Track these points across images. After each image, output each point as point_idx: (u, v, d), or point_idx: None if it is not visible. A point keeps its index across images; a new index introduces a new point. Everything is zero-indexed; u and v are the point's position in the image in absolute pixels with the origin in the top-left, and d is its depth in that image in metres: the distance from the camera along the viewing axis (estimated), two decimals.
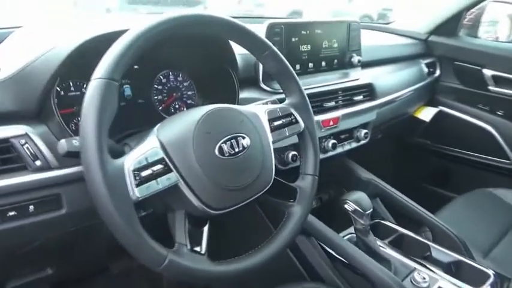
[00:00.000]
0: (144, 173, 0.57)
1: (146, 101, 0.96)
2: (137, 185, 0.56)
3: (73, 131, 0.85)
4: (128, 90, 0.94)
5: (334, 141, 1.16)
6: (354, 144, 1.26)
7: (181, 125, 0.65)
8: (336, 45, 1.18)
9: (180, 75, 1.02)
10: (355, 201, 1.03)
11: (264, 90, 1.03)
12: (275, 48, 0.78)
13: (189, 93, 1.04)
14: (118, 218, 0.53)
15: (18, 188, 0.67)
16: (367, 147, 1.31)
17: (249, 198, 0.70)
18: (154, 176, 0.58)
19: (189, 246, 0.62)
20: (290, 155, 1.04)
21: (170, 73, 1.00)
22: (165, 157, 0.60)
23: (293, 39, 1.06)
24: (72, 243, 0.84)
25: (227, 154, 0.65)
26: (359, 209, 1.02)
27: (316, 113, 1.11)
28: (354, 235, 1.08)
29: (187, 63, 1.01)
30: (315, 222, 1.05)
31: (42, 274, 0.86)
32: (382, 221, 1.23)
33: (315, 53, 1.13)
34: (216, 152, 0.64)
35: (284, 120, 0.78)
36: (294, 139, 0.83)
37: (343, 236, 1.11)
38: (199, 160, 0.62)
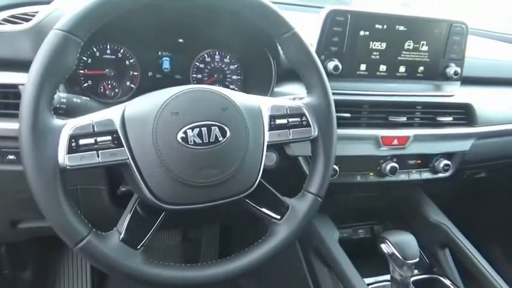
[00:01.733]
0: (84, 141, 0.52)
1: (183, 78, 0.92)
2: (69, 152, 0.51)
3: (99, 93, 0.86)
4: (166, 63, 0.91)
5: (395, 165, 0.94)
6: (427, 175, 1.00)
7: (151, 100, 0.57)
8: (425, 48, 0.94)
9: (228, 57, 0.95)
10: (397, 243, 0.82)
11: None
12: (298, 32, 0.64)
13: (234, 77, 0.96)
14: (36, 182, 0.49)
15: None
16: (451, 181, 1.04)
17: (216, 200, 0.59)
18: (96, 148, 0.53)
19: (122, 236, 0.55)
20: None
21: (217, 53, 0.94)
22: (118, 130, 0.54)
23: (362, 33, 0.88)
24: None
25: (191, 142, 0.55)
26: (398, 255, 0.81)
27: (376, 126, 0.92)
28: (388, 285, 0.87)
29: (235, 45, 0.93)
30: (339, 256, 0.87)
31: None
32: (441, 278, 0.97)
33: (391, 54, 0.92)
34: (178, 137, 0.55)
35: (290, 120, 0.64)
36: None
37: (374, 284, 0.89)
38: (156, 142, 0.54)
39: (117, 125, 0.54)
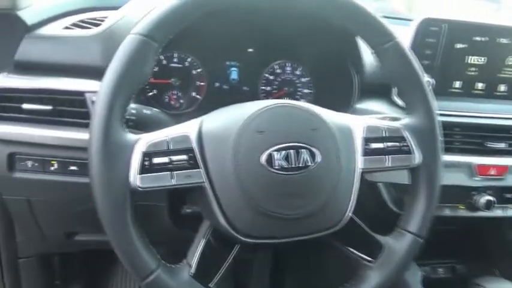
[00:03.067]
0: (158, 160, 0.45)
1: (251, 90, 0.85)
2: (142, 172, 0.44)
3: (164, 104, 0.80)
4: (234, 74, 0.84)
5: (491, 198, 0.80)
6: None
7: (232, 114, 0.50)
8: None
9: (300, 69, 0.87)
10: None
11: (395, 105, 0.78)
12: (401, 41, 0.54)
13: (305, 91, 0.88)
14: (104, 202, 0.43)
15: (82, 144, 0.65)
16: None
17: (299, 235, 0.50)
18: (170, 168, 0.45)
19: (193, 270, 0.48)
20: None
21: (288, 64, 0.86)
22: (195, 148, 0.47)
23: (457, 46, 0.77)
24: None
25: (277, 167, 0.47)
26: None
27: (470, 152, 0.79)
28: None
29: (308, 56, 0.85)
30: None
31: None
32: None
33: (490, 70, 0.80)
34: (263, 160, 0.47)
35: (389, 145, 0.54)
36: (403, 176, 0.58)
37: None
38: (236, 164, 0.46)
39: (194, 143, 0.47)
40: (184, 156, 0.46)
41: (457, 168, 0.79)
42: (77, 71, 0.66)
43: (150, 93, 0.79)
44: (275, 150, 0.47)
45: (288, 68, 0.86)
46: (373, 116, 0.65)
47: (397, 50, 0.54)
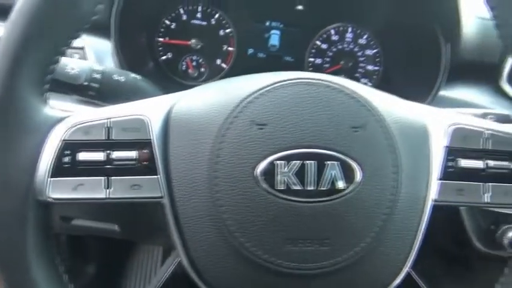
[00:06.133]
0: (86, 156, 0.28)
1: (296, 62, 0.65)
2: (56, 173, 0.28)
3: (178, 72, 0.63)
4: (275, 39, 0.64)
5: None
6: None
7: (221, 95, 0.31)
8: None
9: (365, 36, 0.64)
10: None
11: (506, 97, 0.52)
12: None
13: (369, 68, 0.65)
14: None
15: None
16: None
17: None
18: (107, 171, 0.28)
19: None
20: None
21: (349, 29, 0.64)
22: (154, 142, 0.29)
23: None
24: None
25: (281, 187, 0.27)
26: None
27: None
28: None
29: (378, 18, 0.61)
30: None
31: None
32: None
33: None
34: (258, 172, 0.27)
35: (492, 164, 0.31)
36: None
37: None
38: (213, 176, 0.28)
39: (153, 133, 0.29)
40: (132, 154, 0.28)
41: None
42: None
43: (164, 57, 0.62)
44: (281, 159, 0.27)
45: (349, 35, 0.64)
46: (467, 111, 0.42)
47: None
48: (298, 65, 0.65)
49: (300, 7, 0.63)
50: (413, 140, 0.31)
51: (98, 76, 0.39)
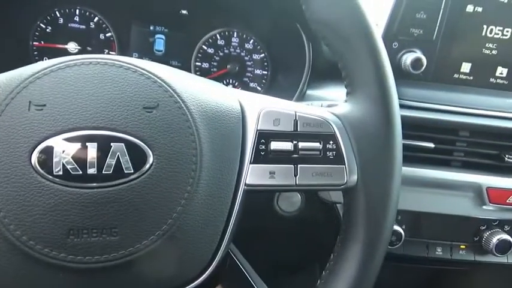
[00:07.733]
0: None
1: (182, 66, 0.64)
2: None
3: None
4: (160, 44, 0.63)
5: (507, 237, 0.55)
6: None
7: (5, 75, 0.29)
8: None
9: (252, 41, 0.64)
10: None
11: None
12: None
13: (257, 72, 0.65)
14: None
15: None
16: None
17: None
18: None
19: None
20: None
21: (235, 34, 0.64)
22: None
23: (469, 9, 0.52)
24: None
25: (58, 172, 0.25)
26: None
27: (480, 168, 0.54)
28: None
29: (264, 23, 0.62)
30: None
31: None
32: None
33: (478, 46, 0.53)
34: (35, 158, 0.25)
35: (302, 146, 0.31)
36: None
37: None
38: None
39: None
40: None
41: (458, 190, 0.54)
42: None
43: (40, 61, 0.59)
44: (59, 141, 0.25)
45: (235, 39, 0.64)
46: (315, 103, 0.42)
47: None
48: (185, 70, 0.63)
49: (184, 11, 0.63)
50: (222, 123, 0.30)
51: None
